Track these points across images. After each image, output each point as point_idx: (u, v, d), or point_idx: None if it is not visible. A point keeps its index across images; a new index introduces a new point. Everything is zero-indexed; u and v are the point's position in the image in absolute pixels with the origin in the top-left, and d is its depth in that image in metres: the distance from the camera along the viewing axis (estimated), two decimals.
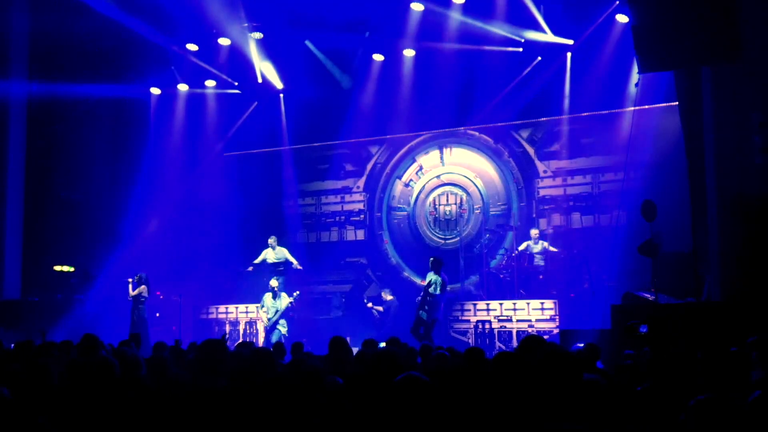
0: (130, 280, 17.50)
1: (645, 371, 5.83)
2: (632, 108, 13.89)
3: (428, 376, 4.71)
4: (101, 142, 20.47)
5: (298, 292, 17.27)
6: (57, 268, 19.86)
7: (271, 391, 5.11)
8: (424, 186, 19.82)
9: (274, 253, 18.55)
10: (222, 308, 19.18)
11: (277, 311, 17.03)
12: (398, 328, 15.79)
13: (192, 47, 19.10)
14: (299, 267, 18.39)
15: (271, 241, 18.67)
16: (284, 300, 17.02)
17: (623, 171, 15.25)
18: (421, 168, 19.90)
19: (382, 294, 17.89)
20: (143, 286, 17.44)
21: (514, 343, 15.45)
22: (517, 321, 16.03)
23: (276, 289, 17.16)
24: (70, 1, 17.43)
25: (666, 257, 12.80)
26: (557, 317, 15.64)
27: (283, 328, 16.99)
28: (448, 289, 15.81)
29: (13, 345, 10.28)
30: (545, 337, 15.14)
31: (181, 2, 17.03)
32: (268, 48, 19.13)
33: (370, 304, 18.09)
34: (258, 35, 18.60)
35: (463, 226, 19.02)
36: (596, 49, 16.94)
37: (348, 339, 11.71)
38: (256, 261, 18.64)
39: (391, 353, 5.34)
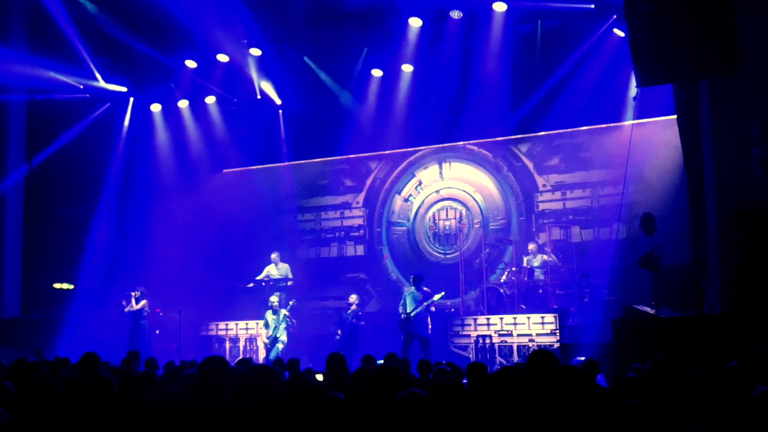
0: (133, 294, 17.52)
1: (643, 384, 5.82)
2: (631, 121, 13.92)
3: (429, 392, 4.70)
4: (101, 158, 20.47)
5: (293, 301, 17.30)
6: (57, 285, 19.83)
7: (274, 407, 5.09)
8: (423, 201, 19.83)
9: (276, 269, 18.57)
10: (222, 325, 19.11)
11: (276, 327, 17.04)
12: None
13: (191, 64, 19.13)
14: (289, 283, 18.47)
15: (274, 256, 18.68)
16: (282, 315, 17.05)
17: (622, 184, 15.26)
18: (420, 183, 19.91)
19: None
20: (144, 300, 17.51)
21: (515, 358, 15.43)
22: (518, 335, 15.98)
23: (276, 305, 17.18)
24: (70, 16, 17.53)
25: (666, 270, 12.79)
26: (558, 331, 15.59)
27: (281, 344, 16.96)
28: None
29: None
30: None
31: (179, 19, 17.06)
32: (266, 64, 19.15)
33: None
34: (256, 51, 18.64)
35: (463, 240, 19.00)
36: (594, 62, 16.96)
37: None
38: (259, 277, 18.65)
39: (392, 369, 5.32)
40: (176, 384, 7.75)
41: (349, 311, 17.27)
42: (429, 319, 15.86)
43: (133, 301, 17.60)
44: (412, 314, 15.73)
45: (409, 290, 16.17)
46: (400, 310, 16.03)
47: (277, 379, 6.88)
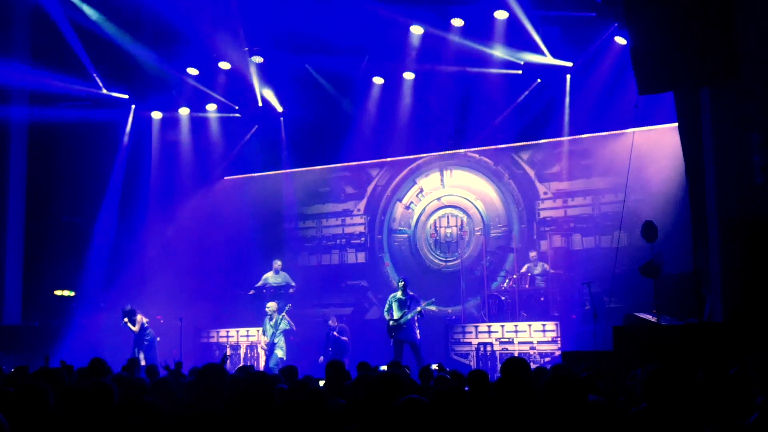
0: (125, 320, 17.27)
1: (642, 393, 5.80)
2: (632, 129, 13.91)
3: (430, 399, 4.70)
4: (102, 166, 20.50)
5: (290, 305, 17.31)
6: (58, 292, 19.82)
7: (275, 413, 5.09)
8: (424, 208, 19.82)
9: (275, 277, 18.58)
10: (223, 332, 19.15)
11: (274, 333, 17.03)
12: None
13: (192, 71, 19.17)
14: (291, 291, 18.45)
15: (277, 264, 18.69)
16: (280, 319, 17.04)
17: (624, 192, 15.27)
18: (421, 190, 19.91)
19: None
20: (139, 315, 17.33)
21: None
22: (519, 343, 15.97)
23: (273, 311, 17.19)
24: (72, 24, 17.57)
25: (667, 278, 12.79)
26: (559, 339, 15.58)
27: (280, 351, 16.94)
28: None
29: (12, 369, 10.27)
30: (546, 359, 15.14)
31: (181, 26, 17.10)
32: (268, 72, 19.18)
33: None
34: (258, 59, 18.67)
35: (464, 248, 19.00)
36: (595, 70, 16.98)
37: (346, 361, 11.65)
38: (258, 284, 18.67)
39: (394, 376, 5.32)
40: (179, 391, 7.76)
41: (335, 330, 17.19)
42: (417, 324, 15.87)
43: (129, 325, 17.34)
44: (402, 321, 15.71)
45: (394, 296, 16.13)
46: (386, 316, 16.02)
47: (276, 386, 6.88)
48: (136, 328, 17.25)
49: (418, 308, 15.82)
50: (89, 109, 19.87)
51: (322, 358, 16.53)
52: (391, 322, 15.85)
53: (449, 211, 19.57)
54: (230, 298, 19.76)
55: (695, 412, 5.26)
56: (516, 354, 15.71)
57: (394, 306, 15.94)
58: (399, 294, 16.03)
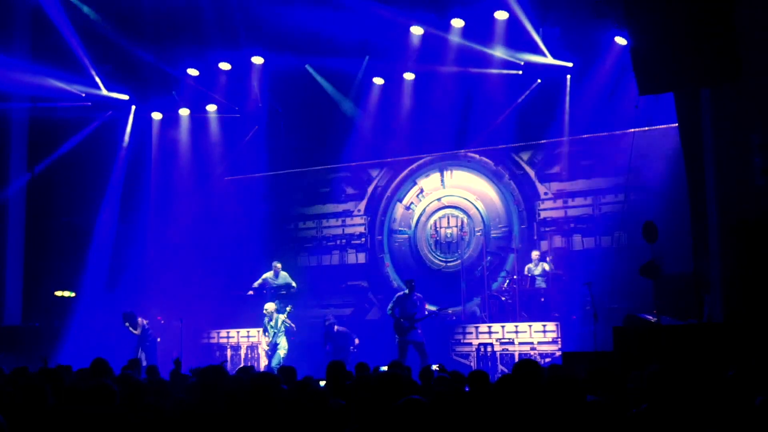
0: (126, 324, 17.26)
1: (644, 393, 5.80)
2: (632, 129, 13.91)
3: (431, 399, 4.70)
4: (102, 166, 20.51)
5: (291, 307, 17.30)
6: (58, 293, 19.83)
7: (276, 413, 5.09)
8: (425, 209, 19.81)
9: (274, 277, 18.56)
10: (223, 333, 19.16)
11: (275, 333, 17.04)
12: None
13: (193, 72, 19.18)
14: (292, 291, 18.46)
15: (277, 266, 18.67)
16: (280, 321, 17.05)
17: (624, 192, 15.30)
18: (421, 191, 19.90)
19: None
20: (139, 319, 17.31)
21: None
22: (519, 344, 15.98)
23: (271, 312, 17.19)
24: (72, 24, 17.58)
25: (667, 279, 12.78)
26: (559, 339, 15.59)
27: (283, 350, 16.95)
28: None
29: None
30: (547, 359, 15.14)
31: (182, 27, 17.11)
32: (268, 72, 19.19)
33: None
34: (258, 59, 18.68)
35: (465, 248, 18.99)
36: (596, 71, 16.98)
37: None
38: (256, 284, 18.63)
39: (395, 376, 5.32)
40: (180, 392, 7.76)
41: (336, 328, 17.09)
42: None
43: (131, 329, 17.34)
44: (413, 323, 15.73)
45: (402, 295, 16.15)
46: (390, 313, 16.05)
47: (279, 387, 6.88)
48: (137, 331, 17.26)
49: (448, 309, 16.34)
50: (89, 109, 19.89)
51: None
52: (402, 320, 15.83)
53: (449, 211, 19.56)
54: (231, 299, 19.74)
55: (696, 413, 5.26)
56: (516, 355, 15.74)
57: (402, 305, 15.94)
58: (406, 291, 16.07)
